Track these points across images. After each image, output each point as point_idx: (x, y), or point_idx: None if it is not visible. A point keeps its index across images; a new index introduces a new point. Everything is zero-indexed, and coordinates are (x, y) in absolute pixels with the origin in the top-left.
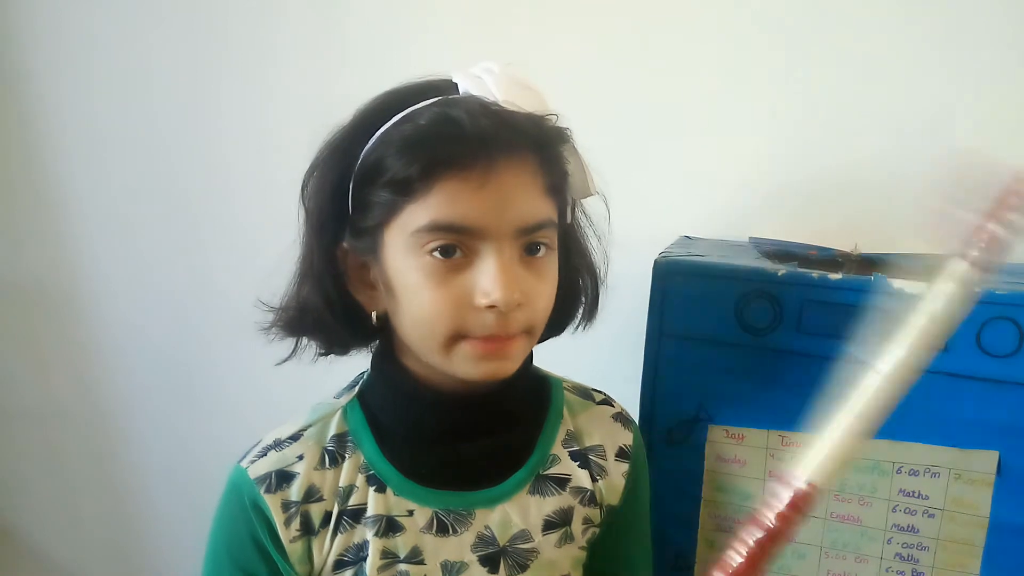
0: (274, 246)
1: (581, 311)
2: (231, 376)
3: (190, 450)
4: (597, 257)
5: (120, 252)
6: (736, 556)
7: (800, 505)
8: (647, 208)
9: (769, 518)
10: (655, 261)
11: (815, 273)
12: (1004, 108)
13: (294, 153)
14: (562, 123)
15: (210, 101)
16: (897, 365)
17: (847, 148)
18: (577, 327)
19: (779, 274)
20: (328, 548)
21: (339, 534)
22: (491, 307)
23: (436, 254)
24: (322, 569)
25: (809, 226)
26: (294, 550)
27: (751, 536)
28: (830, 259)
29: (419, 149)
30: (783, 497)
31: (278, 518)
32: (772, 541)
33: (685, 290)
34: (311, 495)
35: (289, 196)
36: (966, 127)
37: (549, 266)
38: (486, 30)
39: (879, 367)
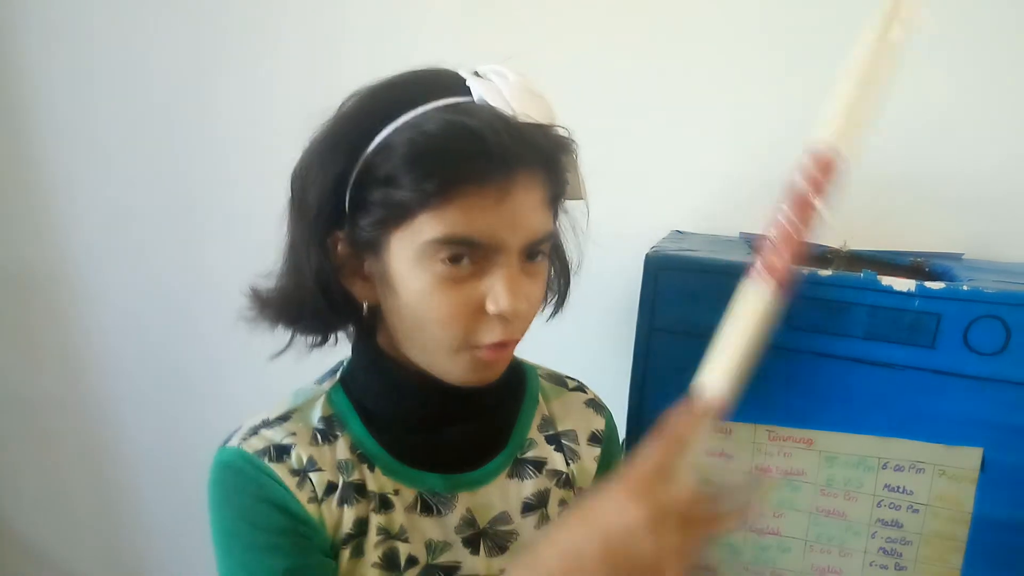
0: (268, 236)
1: (552, 303)
2: (223, 366)
3: (182, 439)
4: (571, 250)
5: (113, 241)
6: (779, 227)
7: (824, 167)
8: (639, 203)
9: (799, 184)
10: (646, 255)
11: (805, 269)
12: (1001, 107)
13: (289, 143)
14: (567, 133)
15: (206, 90)
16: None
17: None
18: (547, 319)
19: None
20: (338, 519)
21: (346, 506)
22: (498, 315)
23: (448, 262)
24: (333, 541)
25: None
26: (313, 511)
27: (785, 206)
28: (819, 255)
29: (437, 161)
30: (809, 164)
31: (289, 483)
32: (804, 208)
33: (676, 284)
34: (312, 465)
35: (284, 185)
36: (959, 125)
37: (542, 271)
38: (483, 22)
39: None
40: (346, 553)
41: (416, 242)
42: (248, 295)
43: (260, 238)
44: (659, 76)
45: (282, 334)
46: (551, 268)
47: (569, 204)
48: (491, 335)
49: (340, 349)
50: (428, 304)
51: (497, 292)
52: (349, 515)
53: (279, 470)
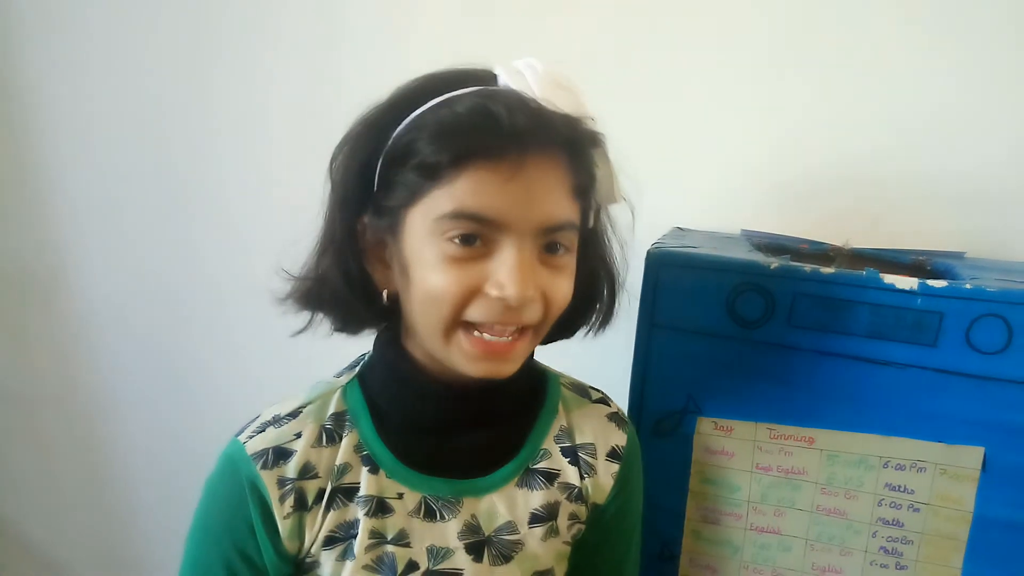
0: (261, 233)
1: (595, 316)
2: (217, 362)
3: (175, 436)
4: (618, 263)
5: (107, 238)
6: None
7: None
8: (640, 199)
9: None
10: (647, 252)
11: (807, 267)
12: (1003, 104)
13: (285, 138)
14: (596, 127)
15: (201, 88)
16: None
17: (841, 143)
18: (588, 332)
19: (771, 267)
20: (320, 524)
21: (331, 511)
22: (499, 298)
23: (456, 241)
24: (312, 544)
25: (801, 220)
26: (286, 526)
27: None
28: (821, 253)
29: (453, 136)
30: None
31: (273, 495)
32: None
33: (677, 281)
34: (306, 472)
35: (278, 185)
36: (961, 123)
37: (568, 267)
38: (481, 28)
39: None
40: (331, 555)
41: (428, 218)
42: (283, 276)
43: (254, 235)
44: (660, 73)
45: (289, 330)
46: (599, 282)
47: (615, 219)
48: (486, 315)
49: (347, 348)
50: (430, 279)
51: (500, 274)
52: (334, 519)
53: (268, 479)
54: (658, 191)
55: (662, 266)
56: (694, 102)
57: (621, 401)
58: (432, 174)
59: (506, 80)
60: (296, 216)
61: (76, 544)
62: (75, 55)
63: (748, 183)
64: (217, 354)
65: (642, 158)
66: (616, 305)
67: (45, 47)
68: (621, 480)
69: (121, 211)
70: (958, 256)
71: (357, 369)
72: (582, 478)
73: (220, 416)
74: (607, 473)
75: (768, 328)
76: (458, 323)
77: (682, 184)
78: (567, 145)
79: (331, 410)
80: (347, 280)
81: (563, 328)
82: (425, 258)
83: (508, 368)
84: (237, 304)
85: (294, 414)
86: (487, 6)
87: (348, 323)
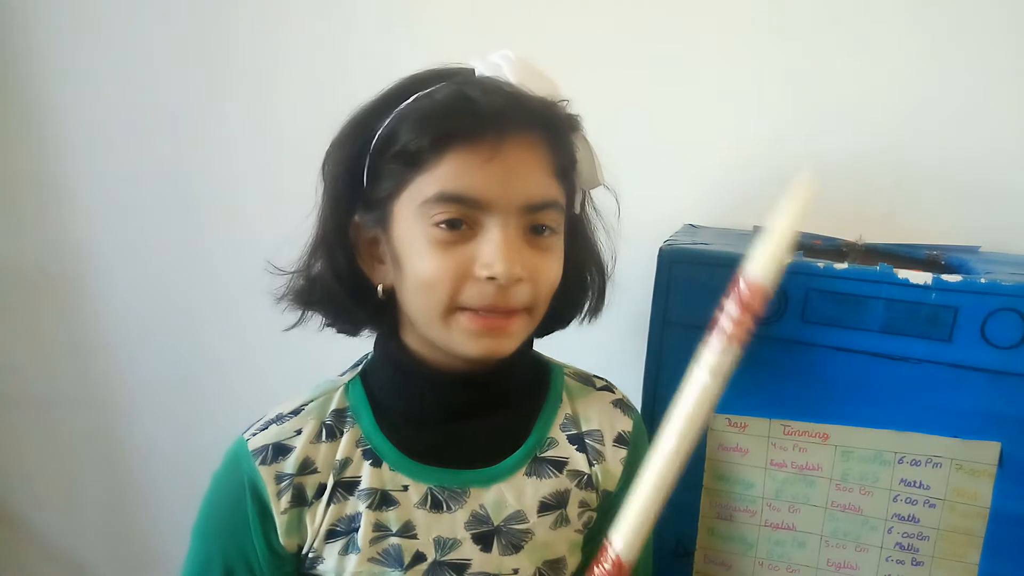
0: (275, 232)
1: (587, 305)
2: (232, 362)
3: (191, 435)
4: (605, 251)
5: (123, 238)
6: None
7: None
8: (651, 197)
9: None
10: (659, 249)
11: (820, 263)
12: (1017, 95)
13: (297, 140)
14: (573, 111)
15: (214, 87)
16: (670, 453)
17: (852, 138)
18: (582, 321)
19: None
20: (321, 518)
21: (332, 504)
22: (491, 279)
23: (442, 226)
24: (315, 539)
25: (813, 215)
26: (283, 521)
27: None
28: (834, 248)
29: (432, 121)
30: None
31: (271, 490)
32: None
33: (689, 278)
34: (305, 467)
35: (291, 183)
36: (975, 115)
37: (555, 248)
38: (490, 26)
39: (660, 449)
40: (334, 549)
41: (414, 204)
42: (274, 269)
43: (268, 234)
44: (672, 69)
45: (299, 329)
46: (588, 271)
47: (601, 207)
48: (480, 298)
49: (358, 347)
50: (421, 267)
51: (486, 254)
52: (334, 512)
53: (266, 475)
54: (669, 188)
55: (674, 263)
56: (703, 98)
57: (634, 399)
58: (414, 161)
59: (483, 71)
60: (310, 217)
61: (93, 542)
62: (88, 59)
63: (759, 179)
64: (232, 354)
65: (653, 155)
66: (606, 293)
67: (59, 51)
68: (629, 465)
69: (136, 213)
70: (972, 250)
71: (360, 367)
72: (591, 465)
73: (233, 414)
74: (615, 459)
75: (782, 324)
76: (454, 307)
77: (693, 181)
78: (545, 126)
79: (333, 406)
80: (338, 278)
81: (557, 319)
82: (414, 246)
83: (506, 344)
84: (250, 305)
85: (296, 411)
86: (494, 12)
87: (340, 320)
